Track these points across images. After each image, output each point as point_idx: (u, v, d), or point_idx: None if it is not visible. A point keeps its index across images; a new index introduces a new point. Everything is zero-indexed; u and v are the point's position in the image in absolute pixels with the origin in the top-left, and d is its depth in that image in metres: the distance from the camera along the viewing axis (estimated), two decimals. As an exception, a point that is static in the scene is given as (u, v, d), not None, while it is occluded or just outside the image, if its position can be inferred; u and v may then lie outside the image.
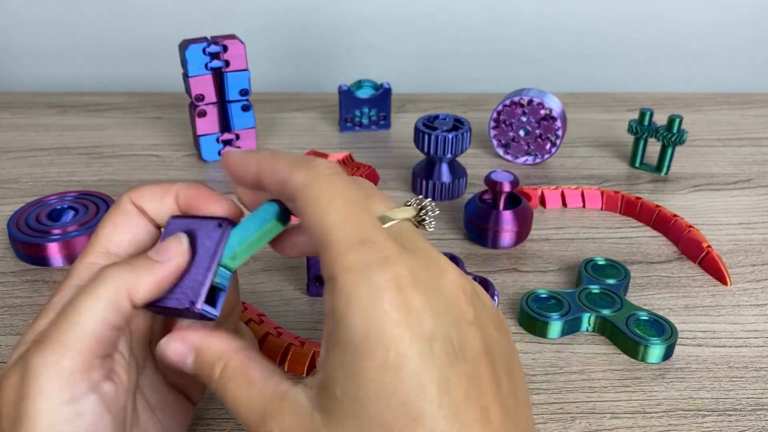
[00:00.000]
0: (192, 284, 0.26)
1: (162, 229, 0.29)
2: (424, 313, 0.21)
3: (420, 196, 0.27)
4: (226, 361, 0.25)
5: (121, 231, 0.28)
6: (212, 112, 0.60)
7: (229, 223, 0.27)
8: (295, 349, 0.37)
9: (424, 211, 0.27)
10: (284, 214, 0.27)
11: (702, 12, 0.83)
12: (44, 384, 0.23)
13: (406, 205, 0.27)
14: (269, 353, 0.38)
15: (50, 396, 0.23)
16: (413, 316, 0.21)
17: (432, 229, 0.27)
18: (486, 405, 0.21)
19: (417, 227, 0.26)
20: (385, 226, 0.25)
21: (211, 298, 0.26)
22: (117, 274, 0.25)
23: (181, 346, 0.26)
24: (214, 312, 0.26)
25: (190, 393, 0.31)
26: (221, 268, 0.26)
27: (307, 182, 0.24)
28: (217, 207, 0.28)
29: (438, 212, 0.27)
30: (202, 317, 0.26)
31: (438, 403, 0.20)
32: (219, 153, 0.61)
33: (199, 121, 0.59)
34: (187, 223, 0.27)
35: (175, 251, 0.26)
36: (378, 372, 0.20)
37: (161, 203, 0.28)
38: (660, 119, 0.61)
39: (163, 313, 0.27)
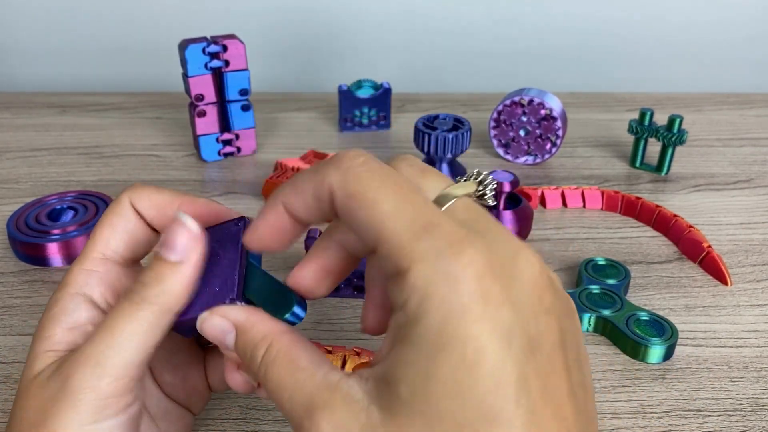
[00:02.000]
0: (221, 282, 0.25)
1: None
2: (503, 305, 0.19)
3: (477, 170, 0.24)
4: (271, 342, 0.23)
5: (117, 235, 0.27)
6: (212, 112, 0.60)
7: (247, 220, 0.26)
8: (295, 350, 0.37)
9: (483, 184, 0.24)
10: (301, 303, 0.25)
11: (702, 12, 0.83)
12: (79, 404, 0.23)
13: (462, 180, 0.24)
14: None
15: (81, 415, 0.23)
16: (492, 309, 0.19)
17: (494, 203, 0.25)
18: (560, 401, 0.20)
19: (478, 203, 0.24)
20: (445, 206, 0.22)
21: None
22: (155, 296, 0.24)
23: (222, 322, 0.25)
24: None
25: (190, 405, 0.30)
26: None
27: (342, 179, 0.21)
28: (230, 216, 0.27)
29: (496, 185, 0.25)
30: None
31: (515, 402, 0.19)
32: (219, 153, 0.61)
33: (198, 121, 0.59)
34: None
35: (188, 240, 0.25)
36: (453, 370, 0.19)
37: (159, 213, 0.27)
38: (660, 119, 0.61)
39: (185, 331, 0.26)
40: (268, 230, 0.24)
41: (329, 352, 0.37)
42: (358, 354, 0.37)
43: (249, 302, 0.25)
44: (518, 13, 0.83)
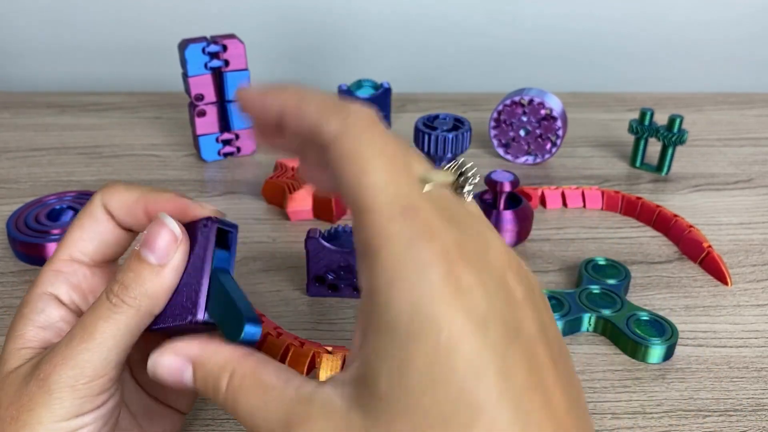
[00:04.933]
0: (187, 293, 0.25)
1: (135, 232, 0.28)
2: (476, 292, 0.19)
3: (461, 159, 0.24)
4: (233, 369, 0.23)
5: (87, 236, 0.27)
6: (212, 112, 0.60)
7: (214, 221, 0.25)
8: (295, 350, 0.37)
9: (463, 176, 0.23)
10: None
11: (703, 11, 0.83)
12: (56, 402, 0.23)
13: (445, 167, 0.24)
14: (268, 353, 0.37)
15: (57, 412, 0.23)
16: (465, 295, 0.19)
17: (471, 199, 0.24)
18: (547, 390, 0.19)
19: (455, 193, 0.23)
20: (424, 190, 0.21)
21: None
22: (133, 299, 0.24)
23: (175, 360, 0.24)
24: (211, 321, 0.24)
25: (174, 403, 0.30)
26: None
27: (343, 131, 0.21)
28: (200, 213, 0.26)
29: (478, 179, 0.24)
30: (205, 327, 0.25)
31: (498, 391, 0.18)
32: (219, 153, 0.61)
33: (198, 121, 0.59)
34: None
35: (169, 243, 0.24)
36: (430, 357, 0.18)
37: (127, 212, 0.27)
38: (660, 119, 0.61)
39: (158, 330, 0.26)
40: (259, 97, 0.24)
41: (329, 352, 0.37)
42: (358, 354, 0.37)
43: (209, 321, 0.25)
44: (518, 13, 0.83)
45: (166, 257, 0.24)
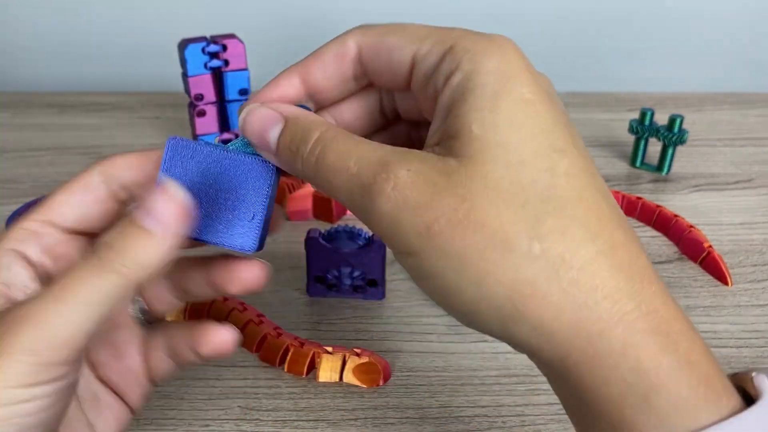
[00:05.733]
0: (240, 221, 0.24)
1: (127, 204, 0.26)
2: (539, 75, 0.23)
3: None
4: (327, 126, 0.23)
5: (74, 202, 0.25)
6: (211, 112, 0.59)
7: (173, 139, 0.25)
8: (295, 350, 0.37)
9: None
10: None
11: (703, 11, 0.83)
12: (12, 365, 0.21)
13: None
14: (268, 354, 0.37)
15: (10, 376, 0.21)
16: (535, 74, 0.22)
17: None
18: (585, 153, 0.23)
19: None
20: None
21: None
22: (121, 264, 0.22)
23: (270, 112, 0.23)
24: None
25: (124, 393, 0.28)
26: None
27: (363, 38, 0.25)
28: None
29: None
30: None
31: (572, 142, 0.22)
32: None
33: (198, 121, 0.59)
34: (200, 153, 0.24)
35: (175, 212, 0.22)
36: (518, 105, 0.21)
37: (141, 171, 0.25)
38: (661, 119, 0.61)
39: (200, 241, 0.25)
40: (274, 97, 0.25)
41: (329, 352, 0.37)
42: (358, 354, 0.36)
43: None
44: (518, 12, 0.83)
45: (168, 227, 0.22)
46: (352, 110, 0.27)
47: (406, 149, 0.21)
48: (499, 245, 0.20)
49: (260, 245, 0.25)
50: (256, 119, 0.24)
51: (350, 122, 0.27)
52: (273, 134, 0.23)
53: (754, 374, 0.20)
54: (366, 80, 0.26)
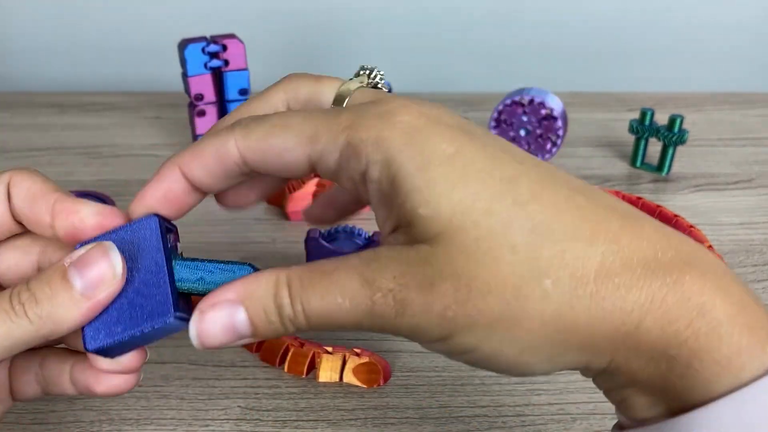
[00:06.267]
0: (148, 295, 0.22)
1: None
2: (442, 115, 0.22)
3: (363, 65, 0.27)
4: (287, 278, 0.21)
5: None
6: (211, 112, 0.59)
7: (158, 216, 0.23)
8: (295, 350, 0.37)
9: (373, 75, 0.26)
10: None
11: (703, 11, 0.83)
12: None
13: (353, 78, 0.26)
14: (268, 353, 0.37)
15: None
16: (434, 122, 0.21)
17: (386, 90, 0.26)
18: (537, 161, 0.22)
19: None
20: (346, 101, 0.24)
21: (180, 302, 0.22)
22: (37, 316, 0.21)
23: (218, 314, 0.21)
24: (186, 316, 0.22)
25: None
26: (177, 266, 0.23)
27: (244, 140, 0.23)
28: (112, 220, 0.23)
29: (383, 73, 0.27)
30: (176, 327, 0.22)
31: (516, 160, 0.21)
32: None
33: (198, 121, 0.59)
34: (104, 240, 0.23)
35: (105, 277, 0.22)
36: (445, 164, 0.20)
37: (32, 205, 0.24)
38: (661, 119, 0.61)
39: (108, 353, 0.23)
40: (160, 194, 0.23)
41: (329, 352, 0.37)
42: (358, 354, 0.36)
43: (186, 304, 0.23)
44: (519, 12, 0.83)
45: (93, 291, 0.21)
46: (254, 191, 0.26)
47: (372, 254, 0.21)
48: (513, 299, 0.20)
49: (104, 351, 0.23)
50: (212, 328, 0.21)
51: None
52: (242, 327, 0.21)
53: None
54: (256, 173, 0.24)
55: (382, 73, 0.26)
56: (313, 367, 0.37)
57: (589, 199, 0.21)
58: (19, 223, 0.25)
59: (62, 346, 0.27)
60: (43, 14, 0.82)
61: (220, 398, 0.35)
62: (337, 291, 0.20)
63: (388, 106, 0.22)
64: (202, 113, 0.59)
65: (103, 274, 0.22)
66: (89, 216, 0.23)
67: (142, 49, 0.84)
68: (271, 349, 0.37)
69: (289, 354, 0.37)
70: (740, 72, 0.86)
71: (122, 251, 0.22)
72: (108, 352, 0.23)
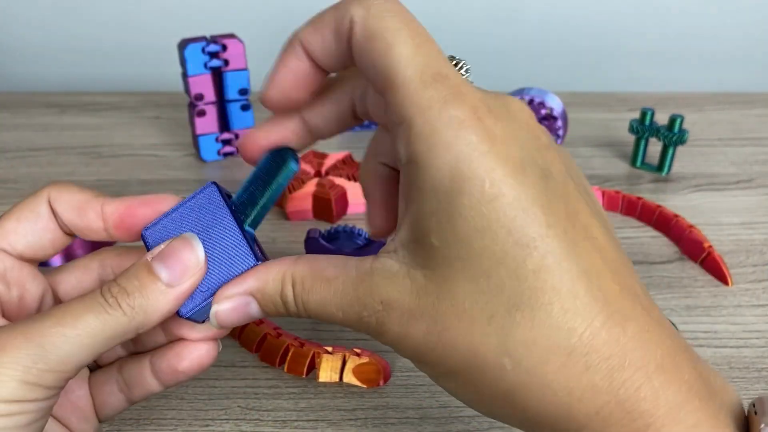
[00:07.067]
0: (229, 257, 0.23)
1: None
2: (508, 140, 0.20)
3: (451, 55, 0.25)
4: (292, 278, 0.23)
5: (22, 231, 0.25)
6: (211, 112, 0.59)
7: (213, 184, 0.24)
8: (295, 350, 0.37)
9: (459, 66, 0.24)
10: (295, 155, 0.25)
11: (703, 11, 0.83)
12: (1, 378, 0.20)
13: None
14: (268, 354, 0.37)
15: None
16: (499, 145, 0.20)
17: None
18: (586, 222, 0.21)
19: None
20: None
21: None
22: (131, 309, 0.22)
23: (234, 301, 0.23)
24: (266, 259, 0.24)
25: (72, 427, 0.26)
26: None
27: (366, 14, 0.21)
28: (163, 205, 0.24)
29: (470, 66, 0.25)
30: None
31: (546, 224, 0.19)
32: (218, 152, 0.61)
33: (198, 121, 0.59)
34: (168, 222, 0.24)
35: (191, 267, 0.23)
36: (476, 206, 0.19)
37: (79, 214, 0.25)
38: (661, 119, 0.61)
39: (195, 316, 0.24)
40: (290, 77, 0.23)
41: (329, 352, 0.37)
42: (358, 354, 0.36)
43: (260, 251, 0.24)
44: (518, 12, 0.83)
45: (179, 280, 0.23)
46: (323, 116, 0.26)
47: (368, 268, 0.22)
48: (473, 366, 0.20)
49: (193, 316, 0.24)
50: (229, 316, 0.23)
51: (321, 126, 0.26)
52: (254, 311, 0.24)
53: (762, 426, 0.19)
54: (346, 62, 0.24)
55: (468, 66, 0.25)
56: (313, 367, 0.37)
57: (592, 283, 0.20)
58: (68, 234, 0.26)
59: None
60: (43, 14, 0.82)
61: (220, 398, 0.35)
62: (333, 303, 0.22)
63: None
64: (202, 113, 0.59)
65: (186, 262, 0.23)
66: (140, 207, 0.25)
67: (142, 49, 0.84)
68: (271, 350, 0.37)
69: (289, 354, 0.37)
70: (740, 72, 0.86)
71: (192, 227, 0.24)
72: (199, 316, 0.24)
